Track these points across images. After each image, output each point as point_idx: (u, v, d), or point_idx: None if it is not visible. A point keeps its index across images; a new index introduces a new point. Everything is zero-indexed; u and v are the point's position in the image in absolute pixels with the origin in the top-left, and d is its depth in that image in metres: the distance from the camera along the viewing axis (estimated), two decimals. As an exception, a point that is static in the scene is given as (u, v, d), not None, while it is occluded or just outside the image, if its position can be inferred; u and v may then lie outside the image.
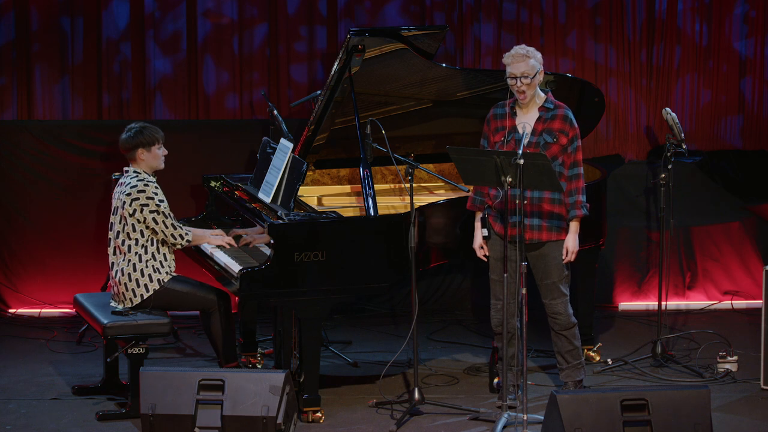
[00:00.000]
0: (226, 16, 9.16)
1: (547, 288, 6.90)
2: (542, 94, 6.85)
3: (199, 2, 9.12)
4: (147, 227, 6.91)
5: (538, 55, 6.77)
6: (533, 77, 6.71)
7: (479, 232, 6.89)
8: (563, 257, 6.85)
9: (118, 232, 6.96)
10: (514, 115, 6.84)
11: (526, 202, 6.72)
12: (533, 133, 6.80)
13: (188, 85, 9.15)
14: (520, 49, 6.75)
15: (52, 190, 9.01)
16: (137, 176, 6.97)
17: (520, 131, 6.78)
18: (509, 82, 6.75)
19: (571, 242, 6.85)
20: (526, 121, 6.81)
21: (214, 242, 7.17)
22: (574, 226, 6.85)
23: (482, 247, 6.89)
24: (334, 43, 9.15)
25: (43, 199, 9.01)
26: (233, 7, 9.15)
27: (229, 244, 7.15)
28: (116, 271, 6.96)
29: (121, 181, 7.03)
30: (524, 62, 6.70)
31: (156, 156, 7.01)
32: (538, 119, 6.81)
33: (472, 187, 6.97)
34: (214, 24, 9.16)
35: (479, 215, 6.91)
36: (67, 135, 8.99)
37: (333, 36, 9.18)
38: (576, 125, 6.84)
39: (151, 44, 9.12)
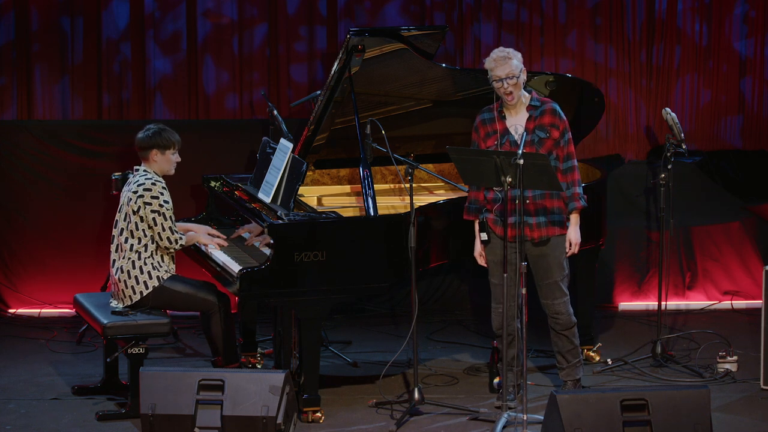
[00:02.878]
0: (226, 16, 9.16)
1: (549, 288, 6.88)
2: (527, 94, 6.81)
3: (199, 2, 9.12)
4: (148, 226, 6.92)
5: (519, 54, 6.72)
6: (518, 77, 6.69)
7: (479, 239, 6.87)
8: (566, 250, 6.84)
9: (122, 229, 6.97)
10: (503, 118, 6.80)
11: (528, 201, 6.70)
12: (526, 132, 6.78)
13: (188, 85, 9.15)
14: (500, 51, 6.70)
15: (52, 190, 9.00)
16: (146, 175, 6.99)
17: (513, 133, 6.76)
18: (495, 85, 6.70)
19: (573, 234, 6.83)
20: (517, 122, 6.78)
21: (203, 241, 7.16)
22: (574, 219, 6.84)
23: (482, 255, 6.88)
24: (334, 43, 9.15)
25: (43, 199, 9.00)
26: (233, 7, 9.15)
27: (221, 245, 7.16)
28: (117, 268, 6.97)
29: (130, 179, 7.06)
30: (508, 63, 6.66)
31: (169, 160, 7.03)
32: (529, 118, 6.77)
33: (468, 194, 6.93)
34: (214, 24, 9.16)
35: (477, 222, 6.88)
36: (67, 135, 8.98)
37: (333, 36, 9.18)
38: (564, 118, 6.80)
39: (151, 44, 9.12)
